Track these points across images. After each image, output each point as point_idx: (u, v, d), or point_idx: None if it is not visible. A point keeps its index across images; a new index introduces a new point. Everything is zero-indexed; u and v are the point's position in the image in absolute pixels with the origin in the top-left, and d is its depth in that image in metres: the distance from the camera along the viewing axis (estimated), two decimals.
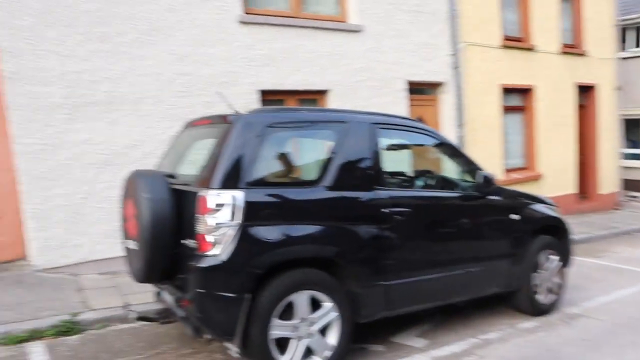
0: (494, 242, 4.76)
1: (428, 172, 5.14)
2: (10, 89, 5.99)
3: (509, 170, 10.90)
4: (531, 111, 11.36)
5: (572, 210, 11.72)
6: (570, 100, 12.07)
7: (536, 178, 11.28)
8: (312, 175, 4.00)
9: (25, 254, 6.38)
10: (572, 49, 12.20)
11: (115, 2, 6.52)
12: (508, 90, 10.85)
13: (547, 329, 4.80)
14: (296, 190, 3.84)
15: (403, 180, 5.13)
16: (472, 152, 9.73)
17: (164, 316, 4.22)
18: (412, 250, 4.20)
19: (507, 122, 10.99)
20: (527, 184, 10.85)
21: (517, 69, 10.89)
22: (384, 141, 4.54)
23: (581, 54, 12.37)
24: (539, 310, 5.12)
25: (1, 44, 5.92)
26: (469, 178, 4.82)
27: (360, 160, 4.08)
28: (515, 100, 11.22)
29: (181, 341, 4.49)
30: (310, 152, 4.49)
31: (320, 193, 3.83)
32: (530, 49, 11.12)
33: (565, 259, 5.40)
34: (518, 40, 11.06)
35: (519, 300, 5.08)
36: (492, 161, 10.27)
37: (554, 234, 5.31)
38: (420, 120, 9.27)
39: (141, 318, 4.25)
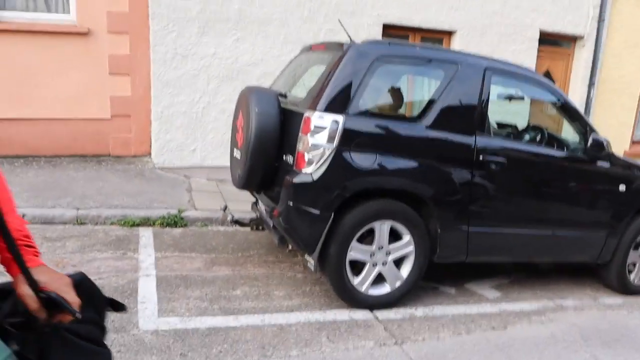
0: (592, 210, 4.55)
1: (538, 127, 4.94)
2: (154, 1, 6.48)
3: (637, 142, 10.06)
4: None
5: None
6: None
7: None
8: (414, 111, 4.04)
9: (149, 152, 7.08)
10: None
11: None
12: None
13: (632, 309, 4.58)
14: (396, 123, 3.93)
15: (509, 131, 4.99)
16: (598, 115, 9.13)
17: (256, 224, 4.59)
18: (501, 202, 4.15)
19: None
20: None
21: None
22: (496, 89, 4.43)
23: None
24: (629, 290, 4.88)
25: None
26: (580, 140, 4.59)
27: (465, 103, 4.03)
28: None
29: (268, 249, 4.87)
30: (417, 88, 4.51)
31: (420, 130, 3.87)
32: None
33: None
34: None
35: (608, 275, 4.87)
36: (619, 129, 9.55)
37: None
38: (547, 73, 8.78)
39: (236, 222, 4.65)
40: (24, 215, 4.91)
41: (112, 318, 3.29)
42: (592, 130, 4.52)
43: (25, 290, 1.18)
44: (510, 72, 4.34)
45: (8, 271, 1.23)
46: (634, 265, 4.87)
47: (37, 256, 1.26)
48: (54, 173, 6.26)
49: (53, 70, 6.60)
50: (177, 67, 6.70)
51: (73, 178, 6.08)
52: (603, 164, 4.51)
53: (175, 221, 5.23)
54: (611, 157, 4.56)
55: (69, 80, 6.67)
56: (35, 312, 1.18)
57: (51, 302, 1.18)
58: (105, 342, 1.34)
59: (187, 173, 6.82)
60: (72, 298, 1.20)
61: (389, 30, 7.74)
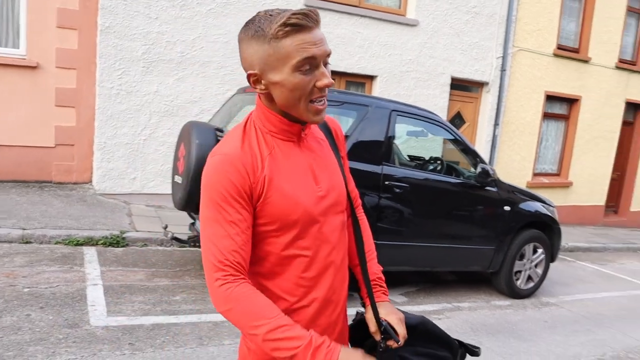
0: (482, 227, 5.44)
1: (438, 159, 5.85)
2: (102, 40, 7.07)
3: (538, 174, 11.33)
4: (574, 121, 11.70)
5: (597, 221, 12.06)
6: (617, 116, 12.30)
7: (565, 185, 11.66)
8: None
9: (91, 179, 7.53)
10: (630, 65, 12.34)
11: None
12: (552, 98, 11.24)
13: (517, 309, 5.48)
14: None
15: (412, 162, 5.87)
16: (504, 151, 10.29)
17: (193, 241, 5.18)
18: (405, 220, 4.96)
19: (546, 128, 11.41)
20: (554, 190, 11.29)
21: (565, 79, 11.23)
22: (401, 127, 5.29)
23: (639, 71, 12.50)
24: (516, 294, 5.79)
25: (102, 2, 6.98)
26: (472, 169, 5.50)
27: (374, 139, 4.85)
28: (558, 109, 11.59)
29: None
30: None
31: None
32: (583, 60, 11.41)
33: (551, 254, 6.00)
34: (572, 50, 11.37)
35: (498, 282, 5.76)
36: (522, 163, 10.77)
37: (545, 230, 5.93)
38: (458, 115, 9.90)
39: (175, 239, 5.21)
40: None
41: (65, 317, 3.80)
42: (482, 160, 5.45)
43: (370, 317, 1.51)
44: (412, 114, 5.20)
45: (363, 303, 1.59)
46: (520, 272, 5.78)
47: (385, 295, 1.59)
48: None
49: (0, 100, 7.00)
50: (121, 102, 7.25)
51: (17, 202, 6.44)
52: (491, 189, 5.43)
53: (117, 241, 5.72)
54: (497, 183, 5.49)
55: (15, 109, 7.08)
56: (373, 334, 1.49)
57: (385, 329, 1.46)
58: None
59: (127, 199, 7.30)
60: (400, 330, 1.46)
61: None
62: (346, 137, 4.75)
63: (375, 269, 1.63)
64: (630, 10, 12.19)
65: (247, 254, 1.32)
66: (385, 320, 1.47)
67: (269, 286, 1.39)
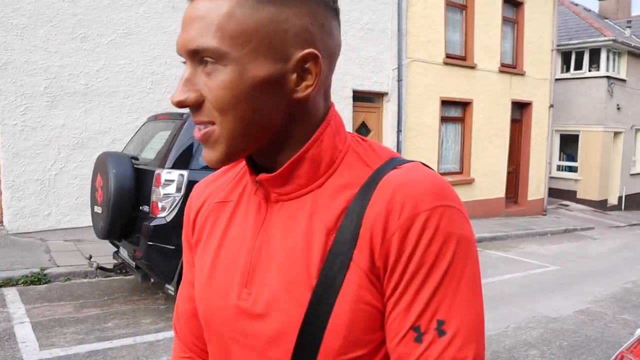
0: None
1: None
2: (1, 77, 6.95)
3: (443, 174, 12.10)
4: (468, 122, 12.66)
5: (500, 213, 13.06)
6: (505, 115, 13.43)
7: (468, 182, 12.57)
8: None
9: (1, 220, 7.32)
10: (511, 68, 13.54)
11: (97, 8, 7.52)
12: (447, 103, 12.12)
13: None
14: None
15: None
16: (410, 155, 10.96)
17: (119, 269, 5.27)
18: None
19: (444, 130, 12.27)
20: (459, 187, 12.12)
21: (457, 84, 12.15)
22: None
23: (519, 74, 13.73)
24: None
25: None
26: None
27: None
28: (453, 112, 12.50)
29: (132, 291, 5.53)
30: None
31: None
32: (470, 67, 12.40)
33: None
34: (460, 58, 12.33)
35: None
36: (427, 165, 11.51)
37: None
38: (363, 124, 10.48)
39: (101, 268, 5.28)
40: None
41: None
42: None
43: None
44: None
45: None
46: None
47: None
48: None
49: None
50: (26, 139, 7.14)
51: None
52: None
53: (38, 278, 5.65)
54: None
55: None
56: None
57: None
58: None
59: (43, 236, 7.17)
60: None
61: None
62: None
63: None
64: (506, 20, 13.39)
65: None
66: None
67: None
